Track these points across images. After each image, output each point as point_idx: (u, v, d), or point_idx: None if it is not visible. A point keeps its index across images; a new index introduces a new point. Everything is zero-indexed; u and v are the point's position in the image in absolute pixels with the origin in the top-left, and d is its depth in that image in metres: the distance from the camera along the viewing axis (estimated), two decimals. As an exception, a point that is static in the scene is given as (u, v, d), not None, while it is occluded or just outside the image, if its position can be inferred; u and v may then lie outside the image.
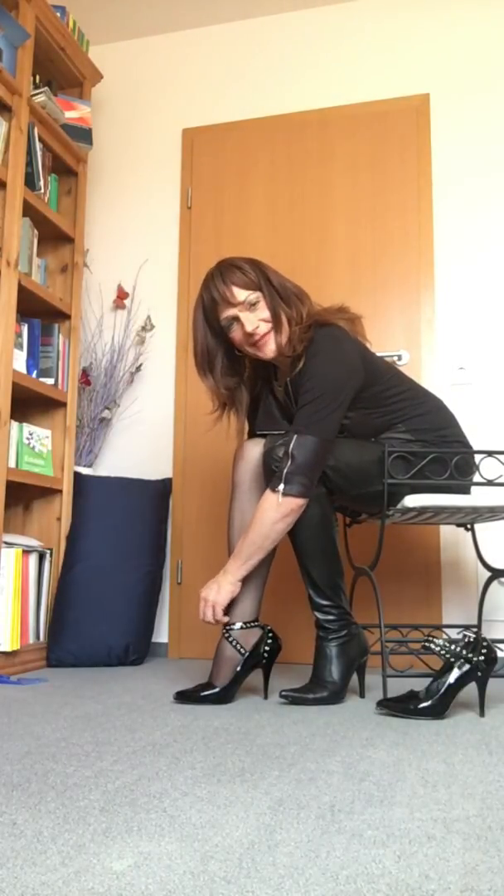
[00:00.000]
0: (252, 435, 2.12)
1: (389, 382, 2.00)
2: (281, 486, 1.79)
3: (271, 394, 2.07)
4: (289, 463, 1.80)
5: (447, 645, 1.66)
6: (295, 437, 1.81)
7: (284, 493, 1.79)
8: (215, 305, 1.92)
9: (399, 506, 1.94)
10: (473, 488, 2.08)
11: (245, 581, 1.90)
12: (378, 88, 3.05)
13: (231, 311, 1.91)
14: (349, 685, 1.95)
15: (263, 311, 1.91)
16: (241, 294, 1.90)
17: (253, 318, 1.91)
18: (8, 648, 2.26)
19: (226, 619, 1.89)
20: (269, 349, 1.93)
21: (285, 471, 1.79)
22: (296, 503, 1.81)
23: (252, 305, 1.90)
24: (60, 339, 2.72)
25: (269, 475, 1.88)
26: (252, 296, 1.90)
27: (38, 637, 2.52)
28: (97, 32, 3.32)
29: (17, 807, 1.04)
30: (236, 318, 1.92)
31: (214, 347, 1.98)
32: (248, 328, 1.91)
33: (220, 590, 1.87)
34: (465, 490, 2.03)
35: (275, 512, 1.81)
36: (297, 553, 1.92)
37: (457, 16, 3.01)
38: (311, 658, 1.96)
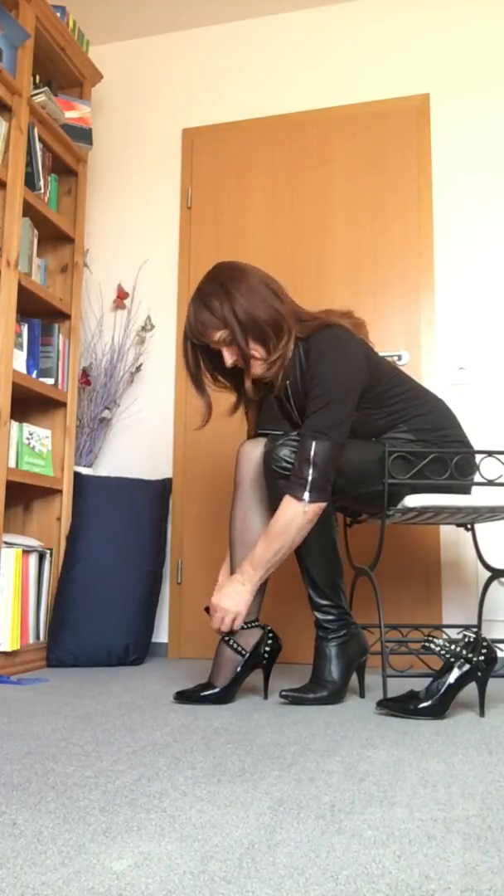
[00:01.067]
0: (253, 433, 2.12)
1: (391, 382, 2.00)
2: (307, 495, 1.80)
3: (275, 394, 2.07)
4: (311, 470, 1.79)
5: (447, 645, 1.66)
6: (314, 442, 1.80)
7: (311, 500, 1.80)
8: (198, 337, 1.94)
9: (399, 506, 1.94)
10: (474, 488, 2.08)
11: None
12: (378, 88, 3.05)
13: (213, 344, 1.93)
14: (349, 685, 1.95)
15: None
16: (214, 334, 1.90)
17: (230, 353, 1.92)
18: (8, 648, 2.26)
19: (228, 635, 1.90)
20: (254, 373, 1.94)
21: (310, 479, 1.79)
22: (320, 507, 1.83)
23: (228, 342, 1.91)
24: (60, 339, 2.72)
25: (269, 475, 1.89)
26: (224, 334, 1.89)
27: (38, 637, 2.52)
28: (97, 32, 3.32)
29: (17, 807, 1.04)
30: (219, 350, 1.94)
31: (205, 368, 2.00)
32: (228, 363, 1.93)
33: (242, 600, 1.85)
34: (465, 490, 2.03)
35: (303, 519, 1.81)
36: (298, 553, 1.92)
37: (457, 16, 3.01)
38: (311, 658, 1.96)
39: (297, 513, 1.81)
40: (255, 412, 2.10)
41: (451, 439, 2.02)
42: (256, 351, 1.91)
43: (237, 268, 1.94)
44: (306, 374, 1.91)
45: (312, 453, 1.80)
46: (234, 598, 1.85)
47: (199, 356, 1.97)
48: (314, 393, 1.86)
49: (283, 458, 1.86)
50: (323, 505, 1.82)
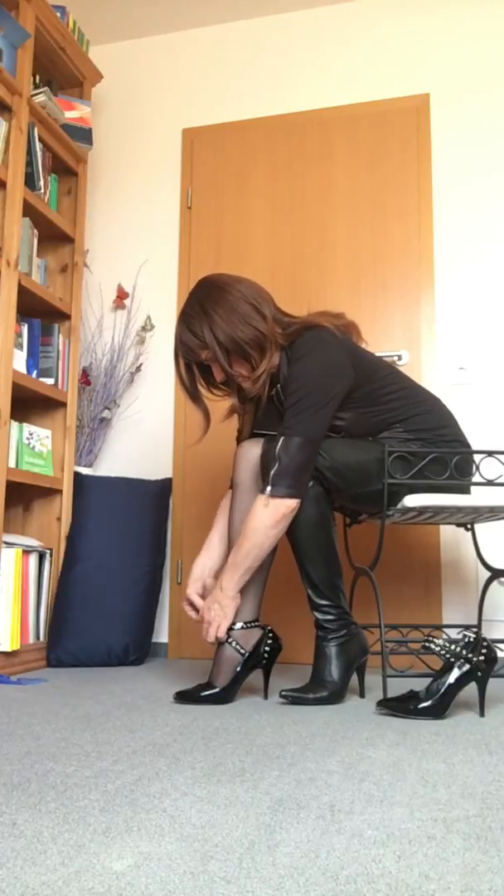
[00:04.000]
0: (246, 437, 2.13)
1: (385, 381, 2.00)
2: (268, 489, 1.80)
3: (269, 396, 2.08)
4: (276, 465, 1.80)
5: (447, 645, 1.66)
6: (282, 438, 1.82)
7: (272, 495, 1.80)
8: (186, 356, 1.96)
9: (399, 506, 1.93)
10: (473, 488, 2.08)
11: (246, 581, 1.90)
12: (378, 88, 3.05)
13: (203, 361, 1.97)
14: (349, 685, 1.95)
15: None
16: (200, 354, 1.94)
17: (217, 369, 1.96)
18: (8, 648, 2.26)
19: (226, 637, 1.89)
20: (245, 389, 1.97)
21: (272, 473, 1.80)
22: (285, 505, 1.81)
23: (214, 361, 1.94)
24: (60, 339, 2.72)
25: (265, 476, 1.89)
26: (209, 354, 1.93)
27: (38, 637, 2.52)
28: (97, 32, 3.32)
29: (17, 807, 1.04)
30: (209, 366, 1.99)
31: (200, 379, 2.03)
32: (218, 379, 1.98)
33: (223, 609, 1.86)
34: (465, 490, 2.03)
35: (267, 517, 1.81)
36: (296, 553, 1.92)
37: (457, 16, 3.01)
38: (311, 658, 1.96)
39: (259, 509, 1.81)
40: (250, 417, 2.11)
41: (449, 438, 2.02)
42: (241, 369, 1.94)
43: (217, 286, 1.94)
44: (287, 374, 1.93)
45: (277, 449, 1.81)
46: (215, 608, 1.86)
47: (193, 370, 2.00)
48: (289, 391, 1.88)
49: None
50: (290, 502, 1.81)
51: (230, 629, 1.89)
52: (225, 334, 1.88)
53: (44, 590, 2.56)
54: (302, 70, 3.15)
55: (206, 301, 1.92)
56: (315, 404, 1.84)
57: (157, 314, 3.13)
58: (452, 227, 2.88)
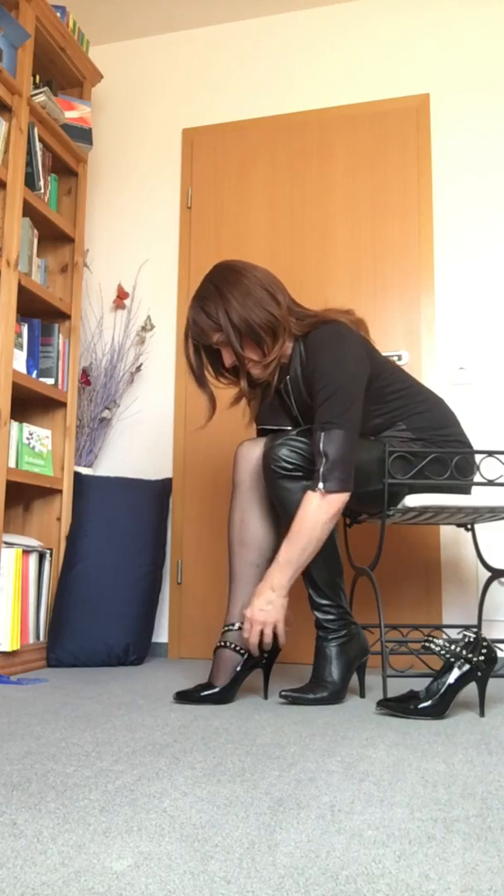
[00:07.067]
0: (256, 421, 2.13)
1: (391, 379, 2.01)
2: (321, 485, 1.79)
3: (276, 388, 2.08)
4: (324, 461, 1.79)
5: (447, 645, 1.66)
6: (323, 434, 1.81)
7: (326, 490, 1.79)
8: (197, 339, 1.96)
9: (399, 506, 1.94)
10: (474, 488, 2.08)
11: (246, 582, 1.90)
12: (378, 88, 3.04)
13: (213, 345, 1.96)
14: (349, 685, 1.95)
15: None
16: (212, 336, 1.93)
17: (228, 353, 1.94)
18: (8, 648, 2.26)
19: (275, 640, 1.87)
20: (254, 375, 1.96)
21: (321, 469, 1.79)
22: (340, 499, 1.80)
23: (225, 344, 1.93)
24: (60, 339, 2.72)
25: (269, 475, 1.89)
26: (221, 337, 1.92)
27: (38, 637, 2.52)
28: (97, 32, 3.32)
29: (17, 807, 1.04)
30: (220, 350, 1.97)
31: (207, 365, 2.02)
32: (227, 363, 1.96)
33: (276, 608, 1.82)
34: (465, 490, 2.03)
35: (322, 512, 1.79)
36: (297, 553, 1.92)
37: (457, 15, 3.01)
38: (311, 658, 1.96)
39: (315, 505, 1.79)
40: (258, 402, 2.10)
41: (451, 439, 2.02)
42: (252, 353, 1.92)
43: (234, 269, 1.94)
44: (307, 369, 1.92)
45: (322, 445, 1.80)
46: (266, 609, 1.82)
47: (201, 354, 1.99)
48: (318, 386, 1.86)
49: (283, 457, 1.86)
50: (343, 495, 1.80)
51: (230, 629, 1.89)
52: (240, 317, 1.88)
53: (44, 590, 2.56)
54: (302, 70, 3.15)
55: (221, 283, 1.91)
56: (350, 397, 1.84)
57: (157, 314, 3.13)
58: (452, 226, 2.88)
